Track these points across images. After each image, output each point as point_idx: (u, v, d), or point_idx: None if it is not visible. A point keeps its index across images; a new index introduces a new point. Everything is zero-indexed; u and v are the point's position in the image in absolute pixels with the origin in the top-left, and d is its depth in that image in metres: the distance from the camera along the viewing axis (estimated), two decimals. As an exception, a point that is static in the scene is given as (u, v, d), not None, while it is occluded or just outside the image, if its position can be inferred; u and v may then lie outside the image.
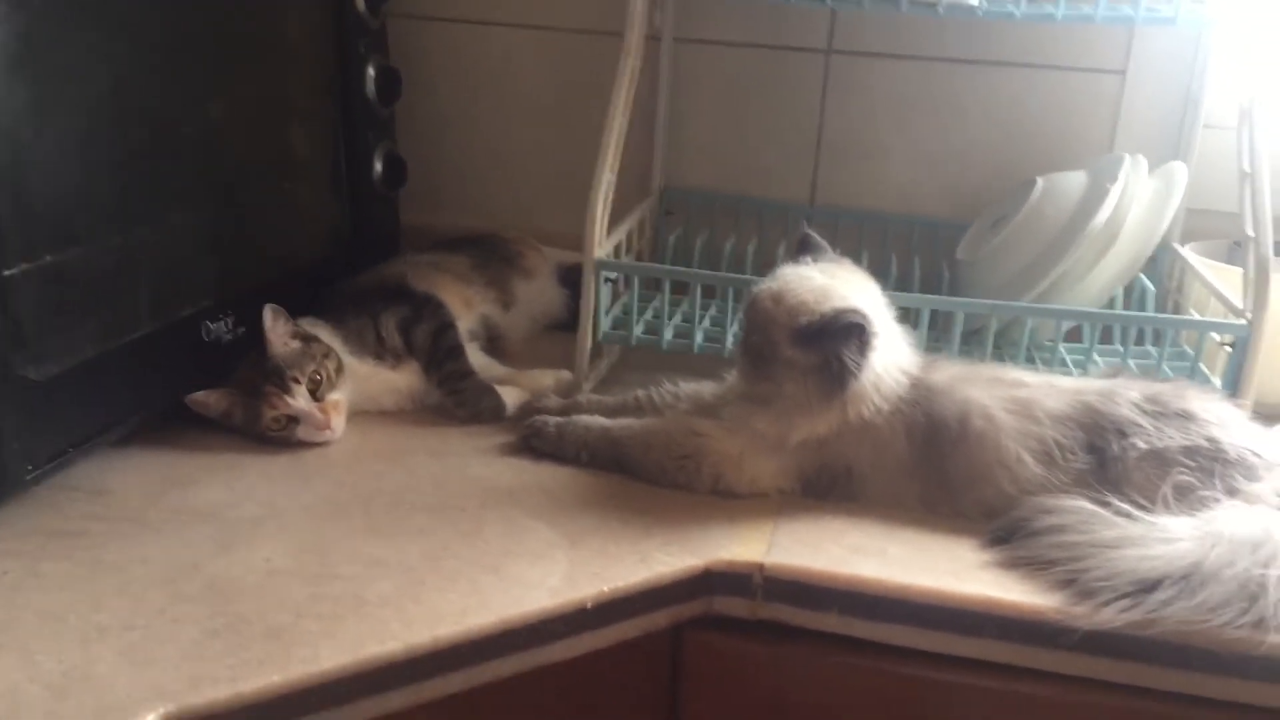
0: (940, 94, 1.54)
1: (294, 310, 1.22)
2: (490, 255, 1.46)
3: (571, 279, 1.50)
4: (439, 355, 1.25)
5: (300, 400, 1.15)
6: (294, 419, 1.16)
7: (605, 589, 0.95)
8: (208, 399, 1.16)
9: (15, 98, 0.92)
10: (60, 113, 0.98)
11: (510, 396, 1.25)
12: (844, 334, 1.03)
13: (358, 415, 1.22)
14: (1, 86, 0.91)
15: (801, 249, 1.16)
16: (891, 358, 1.09)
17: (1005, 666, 0.96)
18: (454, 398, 1.24)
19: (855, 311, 1.03)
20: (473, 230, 1.54)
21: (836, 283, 1.10)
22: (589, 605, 0.94)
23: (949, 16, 1.22)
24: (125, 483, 1.08)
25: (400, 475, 1.13)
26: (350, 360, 1.22)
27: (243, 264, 1.24)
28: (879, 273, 1.44)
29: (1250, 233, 1.17)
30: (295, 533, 1.02)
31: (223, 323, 1.20)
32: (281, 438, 1.16)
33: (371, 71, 1.44)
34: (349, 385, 1.21)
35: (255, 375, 1.16)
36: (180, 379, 1.15)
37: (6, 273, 0.93)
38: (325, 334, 1.22)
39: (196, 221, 1.16)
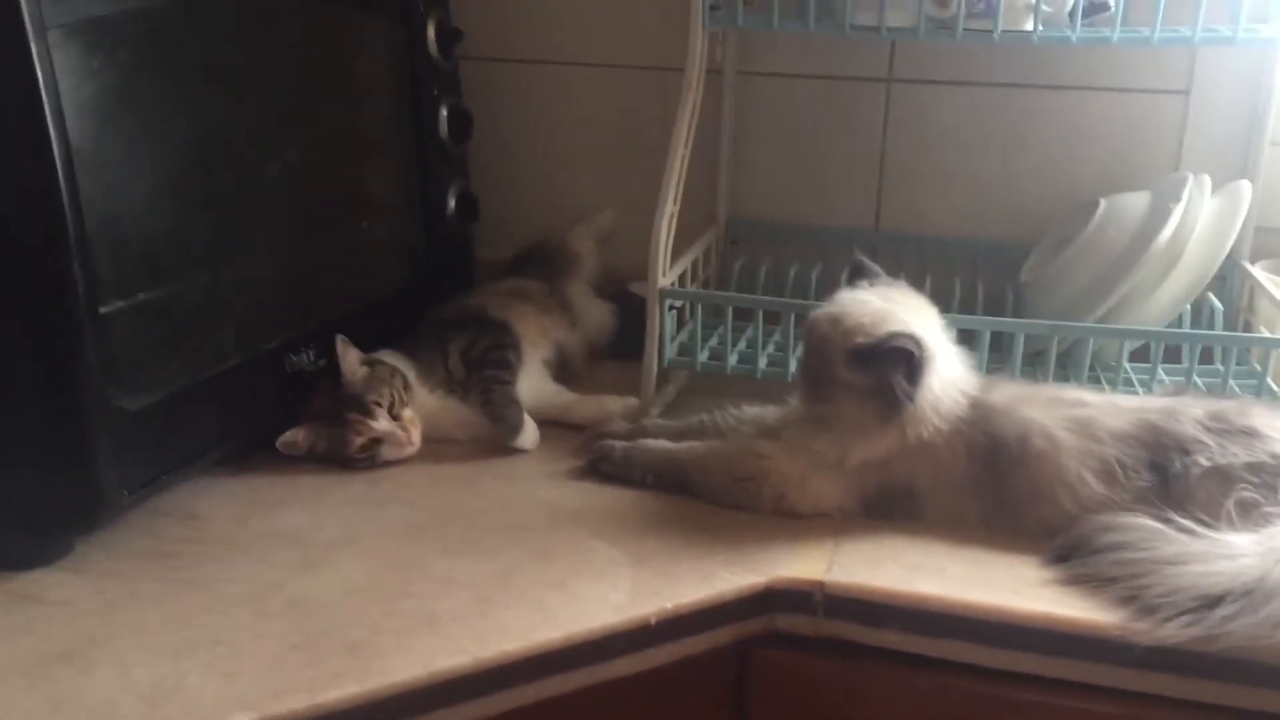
0: (1002, 118, 1.55)
1: (372, 343, 1.28)
2: (553, 269, 1.51)
3: (623, 299, 1.54)
4: (484, 363, 1.28)
5: (383, 422, 1.21)
6: (378, 440, 1.21)
7: (668, 606, 0.98)
8: (295, 438, 1.21)
9: (109, 146, 0.99)
10: (151, 159, 1.04)
11: (531, 425, 1.28)
12: (895, 358, 1.05)
13: (430, 444, 1.26)
14: (97, 136, 0.97)
15: (854, 275, 1.18)
16: (949, 378, 1.10)
17: (1066, 683, 0.96)
18: (482, 398, 1.27)
19: (907, 336, 1.05)
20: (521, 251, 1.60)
21: (894, 306, 1.12)
22: (652, 622, 0.97)
23: (1005, 43, 1.23)
24: (214, 507, 1.14)
25: (472, 499, 1.17)
26: (422, 392, 1.27)
27: (323, 298, 1.30)
28: (943, 296, 1.46)
29: (1316, 249, 1.17)
30: (372, 553, 1.06)
31: (304, 355, 1.25)
32: (367, 461, 1.22)
33: (445, 112, 1.49)
34: (420, 411, 1.25)
35: (334, 405, 1.21)
36: (265, 408, 1.21)
37: (103, 310, 0.99)
38: (401, 365, 1.27)
39: (279, 259, 1.22)
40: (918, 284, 1.23)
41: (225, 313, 1.14)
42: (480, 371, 1.28)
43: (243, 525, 1.11)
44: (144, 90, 1.03)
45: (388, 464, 1.23)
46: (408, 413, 1.23)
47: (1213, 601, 0.92)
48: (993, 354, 1.25)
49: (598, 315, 1.53)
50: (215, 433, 1.16)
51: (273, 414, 1.22)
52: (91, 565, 1.03)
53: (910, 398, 1.06)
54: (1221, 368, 1.29)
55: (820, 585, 1.01)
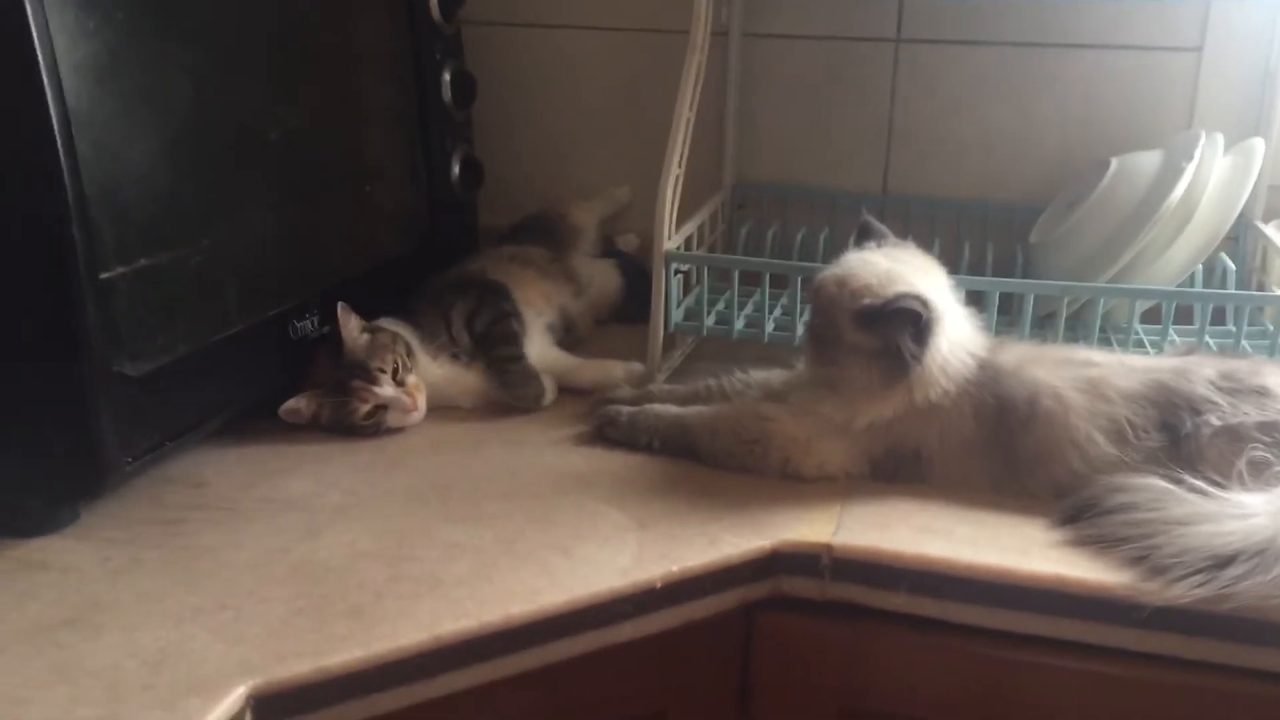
0: (1012, 78, 1.53)
1: (375, 309, 1.27)
2: (552, 239, 1.50)
3: (620, 259, 1.53)
4: (493, 339, 1.28)
5: (388, 388, 1.20)
6: (383, 407, 1.20)
7: (674, 569, 0.97)
8: (298, 406, 1.21)
9: (106, 109, 0.98)
10: (149, 123, 1.03)
11: (550, 386, 1.29)
12: (901, 318, 1.04)
13: (435, 410, 1.26)
14: (93, 99, 0.96)
15: (862, 236, 1.17)
16: (957, 340, 1.09)
17: (1076, 644, 0.95)
18: (500, 378, 1.27)
19: (914, 296, 1.04)
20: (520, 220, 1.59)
21: (901, 267, 1.11)
22: (658, 585, 0.96)
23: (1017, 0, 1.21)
24: (218, 474, 1.14)
25: (477, 464, 1.16)
26: (425, 358, 1.26)
27: (326, 264, 1.29)
28: (952, 259, 1.45)
29: (1330, 206, 1.15)
30: (377, 519, 1.06)
31: (308, 320, 1.25)
32: (371, 427, 1.21)
33: (447, 76, 1.48)
34: (424, 377, 1.25)
35: (336, 372, 1.21)
36: (269, 375, 1.21)
37: (104, 276, 0.98)
38: (404, 332, 1.27)
39: (281, 224, 1.21)
40: (926, 246, 1.22)
41: (227, 278, 1.13)
42: (491, 351, 1.28)
43: (247, 492, 1.11)
44: (142, 51, 1.02)
45: (392, 431, 1.22)
46: (412, 379, 1.22)
47: (1224, 561, 0.91)
48: (1002, 316, 1.24)
49: (602, 279, 1.52)
50: (219, 399, 1.15)
51: (276, 380, 1.21)
52: (96, 532, 1.03)
53: (918, 359, 1.05)
54: (1234, 328, 1.28)
55: (827, 548, 1.00)
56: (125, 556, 0.99)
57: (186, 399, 1.10)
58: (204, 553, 1.00)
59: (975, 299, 1.18)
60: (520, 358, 1.28)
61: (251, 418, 1.21)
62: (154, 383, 1.05)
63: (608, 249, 1.58)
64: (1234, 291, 1.31)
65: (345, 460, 1.18)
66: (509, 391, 1.27)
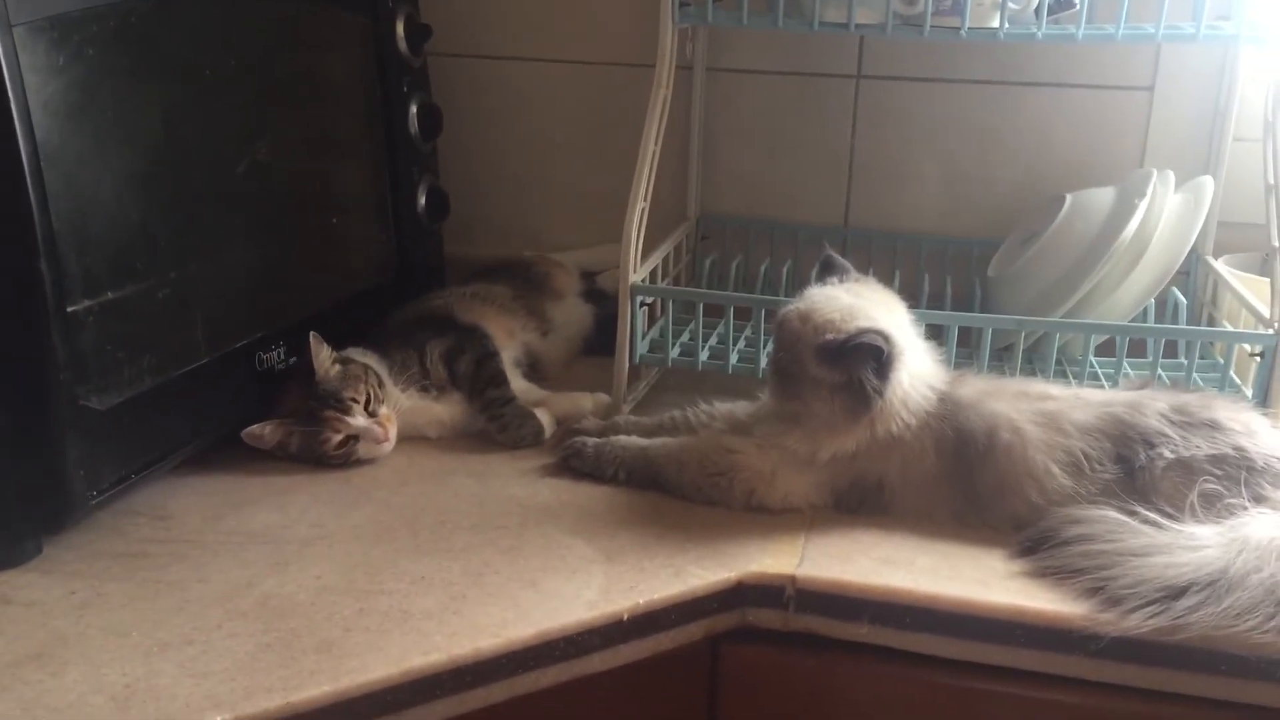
0: (970, 115, 1.56)
1: (342, 340, 1.28)
2: (524, 282, 1.51)
3: (595, 295, 1.55)
4: (481, 383, 1.29)
5: (360, 418, 1.20)
6: (354, 438, 1.21)
7: (640, 602, 0.98)
8: (262, 431, 1.21)
9: (76, 145, 0.98)
10: (118, 156, 1.03)
11: (547, 420, 1.29)
12: (864, 354, 1.06)
13: (402, 441, 1.26)
14: (63, 134, 0.96)
15: (824, 271, 1.19)
16: (918, 373, 1.11)
17: (1034, 674, 0.97)
18: (496, 423, 1.28)
19: (875, 332, 1.06)
20: (499, 258, 1.59)
21: (863, 302, 1.13)
22: (625, 618, 0.97)
23: (972, 40, 1.24)
24: (184, 506, 1.14)
25: (444, 496, 1.17)
26: (395, 391, 1.26)
27: (293, 296, 1.30)
28: (912, 292, 1.47)
29: (1276, 244, 1.18)
30: (344, 552, 1.06)
31: (275, 352, 1.25)
32: (342, 458, 1.21)
33: (414, 109, 1.49)
34: (393, 409, 1.25)
35: (308, 403, 1.21)
36: (236, 407, 1.21)
37: (70, 309, 0.98)
38: (373, 362, 1.27)
39: (249, 256, 1.22)
40: (887, 280, 1.24)
41: (195, 311, 1.14)
42: (482, 393, 1.29)
43: (213, 524, 1.11)
44: (111, 87, 1.02)
45: (360, 462, 1.23)
46: (384, 410, 1.23)
47: (1177, 592, 0.93)
48: (961, 348, 1.26)
49: (574, 322, 1.53)
50: (185, 432, 1.15)
51: (244, 412, 1.21)
52: (61, 566, 1.03)
53: (880, 393, 1.07)
54: (1185, 361, 1.31)
55: (791, 579, 1.01)
56: (90, 590, 0.99)
57: (153, 432, 1.10)
58: (170, 586, 1.00)
59: (935, 332, 1.21)
60: (512, 399, 1.29)
61: (217, 450, 1.21)
62: (120, 416, 1.05)
63: (588, 288, 1.58)
64: (1186, 326, 1.35)
65: (311, 492, 1.18)
66: (506, 435, 1.28)
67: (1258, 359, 1.20)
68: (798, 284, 1.46)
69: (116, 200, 1.04)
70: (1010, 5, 1.22)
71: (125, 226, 1.05)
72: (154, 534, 1.09)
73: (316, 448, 1.21)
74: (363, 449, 1.22)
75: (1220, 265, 1.40)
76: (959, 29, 1.23)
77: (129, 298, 1.05)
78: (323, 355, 1.22)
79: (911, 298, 1.21)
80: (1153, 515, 1.01)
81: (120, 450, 1.06)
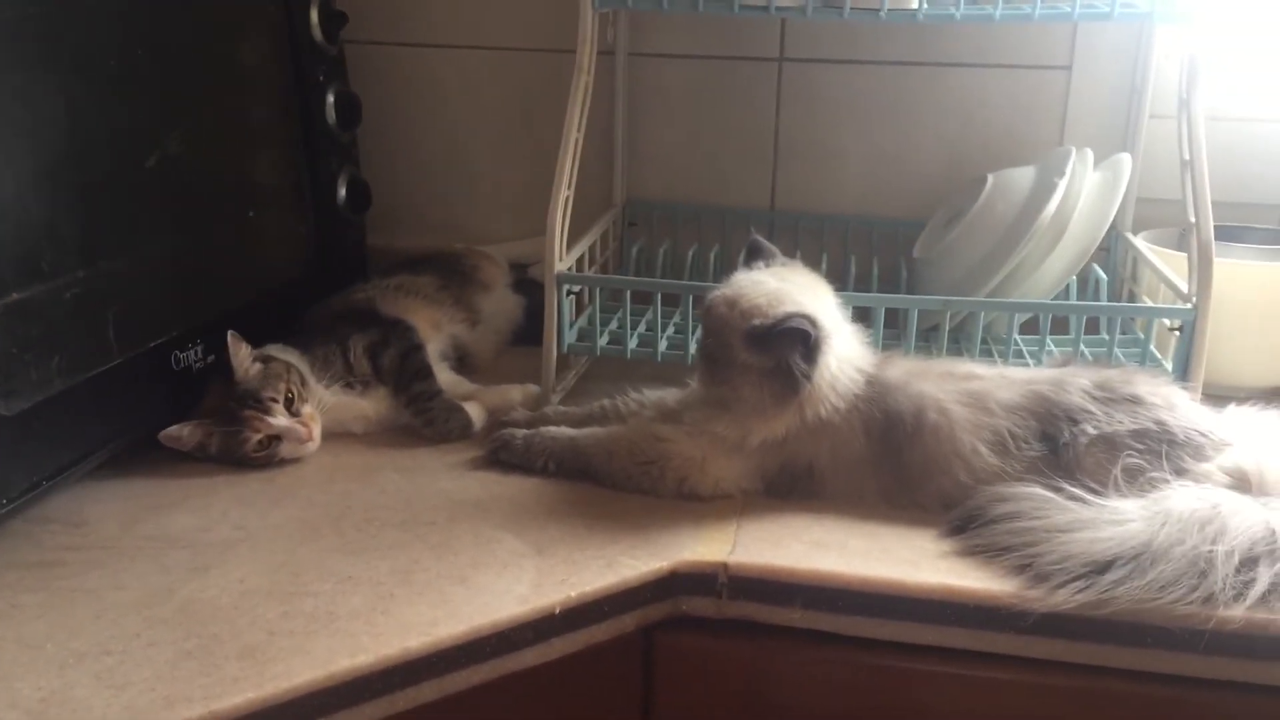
0: (892, 96, 1.57)
1: (263, 336, 1.25)
2: (451, 273, 1.48)
3: (525, 286, 1.53)
4: (406, 377, 1.27)
5: (281, 418, 1.18)
6: (276, 438, 1.18)
7: (572, 595, 0.97)
8: (180, 433, 1.17)
9: (-26, 139, 0.94)
10: (22, 152, 1.00)
11: (476, 412, 1.27)
12: (791, 338, 1.05)
13: (327, 437, 1.23)
14: (-40, 129, 0.93)
15: (751, 255, 1.19)
16: (845, 357, 1.11)
17: (966, 652, 0.98)
18: (422, 418, 1.26)
19: (803, 316, 1.06)
20: (426, 249, 1.57)
21: (789, 286, 1.12)
22: (557, 611, 0.96)
23: (891, 21, 1.24)
24: (100, 512, 1.10)
25: (370, 493, 1.15)
26: (318, 388, 1.24)
27: (210, 292, 1.26)
28: (839, 273, 1.48)
29: (1193, 219, 1.20)
30: (267, 553, 1.03)
31: (192, 351, 1.22)
32: (264, 459, 1.19)
33: (331, 98, 1.46)
34: (316, 406, 1.23)
35: (227, 403, 1.18)
36: (151, 408, 1.17)
37: (-27, 311, 0.95)
38: (295, 359, 1.24)
39: (161, 252, 1.18)
40: (814, 262, 1.25)
41: (105, 310, 1.10)
42: (408, 387, 1.27)
43: (130, 529, 1.07)
44: (13, 79, 0.98)
45: (284, 462, 1.20)
46: (307, 408, 1.20)
47: (1102, 567, 0.94)
48: (888, 329, 1.27)
49: (503, 312, 1.51)
50: (99, 435, 1.12)
51: (160, 413, 1.18)
52: (-30, 578, 0.99)
53: (808, 377, 1.07)
54: (1107, 337, 1.33)
55: (724, 566, 1.01)
56: (3, 602, 0.95)
57: (65, 436, 1.07)
58: (86, 595, 0.97)
59: (862, 314, 1.21)
60: (439, 392, 1.27)
61: (134, 453, 1.18)
62: (30, 421, 1.01)
63: (519, 279, 1.57)
64: (1108, 303, 1.36)
65: (232, 492, 1.15)
66: (433, 429, 1.25)
67: (1177, 333, 1.22)
68: (725, 269, 1.46)
69: (19, 197, 1.00)
70: (928, -14, 1.22)
71: (30, 224, 1.01)
72: (69, 541, 1.05)
73: (237, 448, 1.18)
74: (286, 449, 1.19)
75: (1139, 241, 1.42)
76: (878, 11, 1.23)
77: (35, 298, 1.02)
78: (241, 354, 1.19)
79: (838, 279, 1.22)
80: (1078, 491, 1.02)
81: (31, 456, 1.03)
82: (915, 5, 1.24)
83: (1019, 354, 1.31)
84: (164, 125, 1.18)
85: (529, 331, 1.49)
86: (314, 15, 1.42)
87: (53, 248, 1.04)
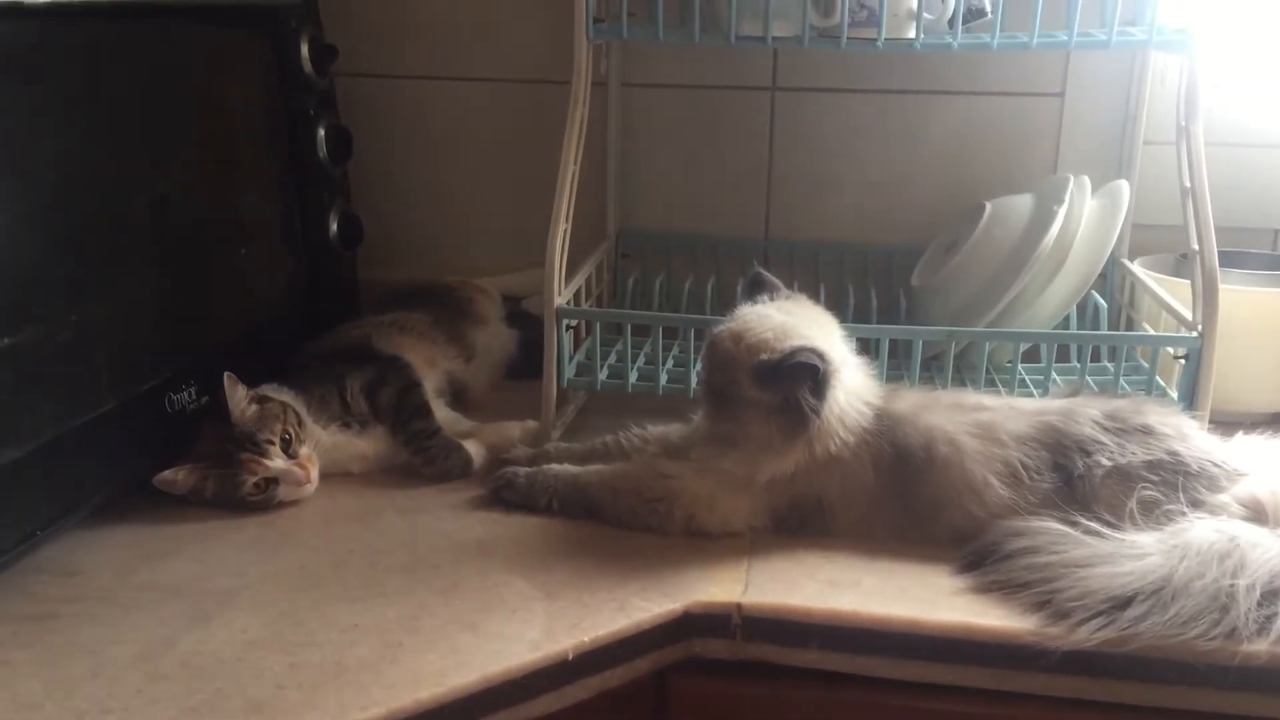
0: (885, 124, 1.56)
1: (256, 374, 1.22)
2: (445, 308, 1.46)
3: (519, 319, 1.51)
4: (405, 415, 1.24)
5: (278, 460, 1.15)
6: (274, 480, 1.16)
7: (585, 639, 0.95)
8: (175, 477, 1.15)
9: (-36, 182, 0.92)
10: (10, 194, 0.97)
11: (475, 450, 1.25)
12: (800, 373, 1.04)
13: (324, 478, 1.21)
14: (-50, 172, 0.90)
15: (754, 288, 1.17)
16: (854, 390, 1.10)
17: (986, 691, 0.96)
18: (421, 456, 1.24)
19: (810, 351, 1.04)
20: (419, 282, 1.55)
21: (795, 320, 1.11)
22: (570, 657, 0.94)
23: (888, 51, 1.23)
24: (94, 562, 1.07)
25: (371, 536, 1.12)
26: (315, 428, 1.21)
27: (202, 332, 1.24)
28: (837, 303, 1.47)
29: (1195, 246, 1.20)
30: (269, 602, 1.01)
31: (185, 393, 1.19)
32: (261, 502, 1.16)
33: (322, 132, 1.44)
34: (314, 447, 1.20)
35: (224, 445, 1.15)
36: (145, 452, 1.14)
37: (-36, 358, 0.92)
38: (290, 399, 1.22)
39: (153, 292, 1.16)
40: (811, 292, 1.23)
41: (98, 353, 1.07)
42: (407, 426, 1.24)
43: (126, 579, 1.04)
44: (2, 120, 0.96)
45: (281, 505, 1.17)
46: (305, 450, 1.18)
47: (1123, 602, 0.93)
48: (890, 359, 1.26)
49: (498, 347, 1.49)
50: (93, 482, 1.09)
51: (154, 457, 1.15)
52: (-39, 634, 0.96)
53: (817, 412, 1.06)
54: (1110, 365, 1.32)
55: (737, 607, 0.99)
56: (-5, 659, 0.93)
57: (58, 484, 1.04)
58: (82, 650, 0.94)
59: (863, 344, 1.20)
60: (437, 430, 1.25)
61: (127, 498, 1.15)
62: (22, 470, 0.98)
63: (512, 311, 1.55)
64: (1115, 332, 1.36)
65: (230, 539, 1.12)
66: (433, 468, 1.23)
67: (1182, 361, 1.21)
68: (723, 300, 1.45)
69: (9, 239, 0.97)
70: (925, 15, 1.22)
71: (19, 267, 0.99)
72: (62, 593, 1.02)
73: (233, 492, 1.15)
74: (283, 491, 1.16)
75: (1138, 269, 1.42)
76: (875, 41, 1.22)
77: (26, 342, 0.99)
78: (238, 395, 1.16)
79: (837, 309, 1.20)
80: (1094, 525, 1.01)
81: (23, 506, 1.00)
82: (912, 35, 1.23)
83: (1022, 384, 1.30)
84: (154, 164, 1.16)
85: (524, 365, 1.47)
86: (304, 49, 1.40)
87: (43, 290, 1.01)
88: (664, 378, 1.32)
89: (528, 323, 1.52)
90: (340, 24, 1.52)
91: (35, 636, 0.96)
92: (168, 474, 1.15)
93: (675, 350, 1.40)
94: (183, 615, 0.99)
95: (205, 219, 1.26)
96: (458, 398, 1.38)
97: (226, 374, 1.15)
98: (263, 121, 1.38)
